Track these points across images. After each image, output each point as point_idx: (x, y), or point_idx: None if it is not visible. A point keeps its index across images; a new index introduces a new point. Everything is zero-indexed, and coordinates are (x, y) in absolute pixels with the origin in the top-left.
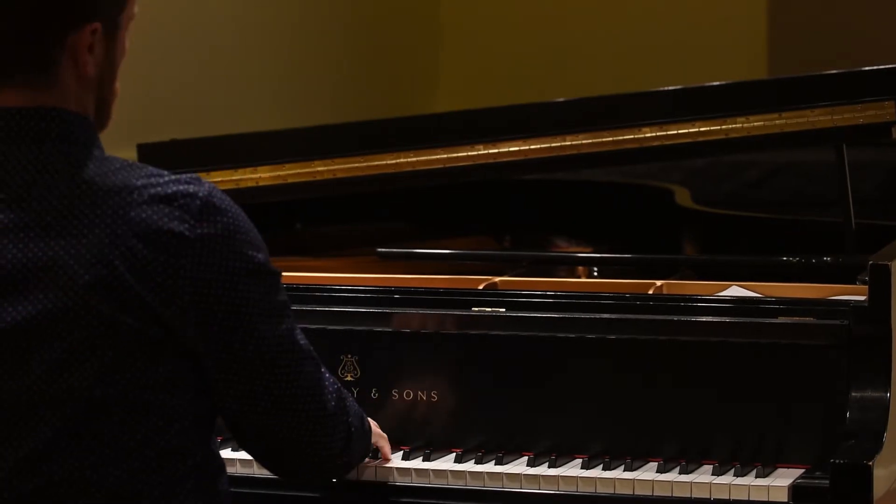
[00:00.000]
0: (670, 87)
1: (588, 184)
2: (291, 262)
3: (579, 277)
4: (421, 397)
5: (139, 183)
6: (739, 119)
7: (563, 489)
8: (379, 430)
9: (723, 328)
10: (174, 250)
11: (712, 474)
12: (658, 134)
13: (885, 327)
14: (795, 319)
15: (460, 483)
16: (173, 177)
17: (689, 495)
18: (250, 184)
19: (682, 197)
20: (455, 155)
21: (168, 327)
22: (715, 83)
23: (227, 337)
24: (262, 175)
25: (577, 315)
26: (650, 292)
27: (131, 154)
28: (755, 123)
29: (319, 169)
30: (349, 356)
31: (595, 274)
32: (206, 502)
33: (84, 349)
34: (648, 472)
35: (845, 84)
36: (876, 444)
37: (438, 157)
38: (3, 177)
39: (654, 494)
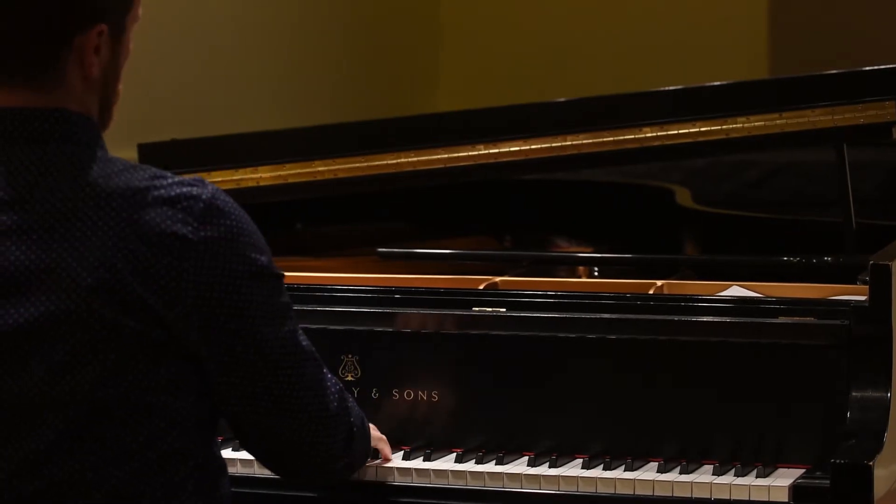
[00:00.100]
0: (670, 87)
1: (588, 184)
2: (292, 262)
3: (580, 277)
4: (421, 397)
5: (142, 185)
6: (740, 119)
7: (564, 489)
8: (378, 433)
9: (723, 328)
10: (177, 253)
11: (713, 474)
12: (658, 134)
13: (885, 327)
14: (796, 319)
15: (461, 483)
16: (177, 179)
17: (689, 495)
18: (251, 184)
19: (683, 197)
20: (455, 155)
21: (170, 330)
22: (715, 83)
23: (230, 339)
24: (263, 175)
25: (577, 315)
26: (650, 292)
27: (132, 154)
28: (756, 123)
29: (320, 169)
30: (350, 356)
31: (595, 274)
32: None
33: (86, 351)
34: (649, 472)
35: (846, 84)
36: (876, 444)
37: (439, 156)
38: (5, 178)
39: (655, 494)
